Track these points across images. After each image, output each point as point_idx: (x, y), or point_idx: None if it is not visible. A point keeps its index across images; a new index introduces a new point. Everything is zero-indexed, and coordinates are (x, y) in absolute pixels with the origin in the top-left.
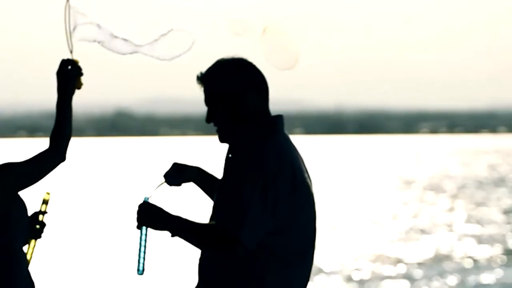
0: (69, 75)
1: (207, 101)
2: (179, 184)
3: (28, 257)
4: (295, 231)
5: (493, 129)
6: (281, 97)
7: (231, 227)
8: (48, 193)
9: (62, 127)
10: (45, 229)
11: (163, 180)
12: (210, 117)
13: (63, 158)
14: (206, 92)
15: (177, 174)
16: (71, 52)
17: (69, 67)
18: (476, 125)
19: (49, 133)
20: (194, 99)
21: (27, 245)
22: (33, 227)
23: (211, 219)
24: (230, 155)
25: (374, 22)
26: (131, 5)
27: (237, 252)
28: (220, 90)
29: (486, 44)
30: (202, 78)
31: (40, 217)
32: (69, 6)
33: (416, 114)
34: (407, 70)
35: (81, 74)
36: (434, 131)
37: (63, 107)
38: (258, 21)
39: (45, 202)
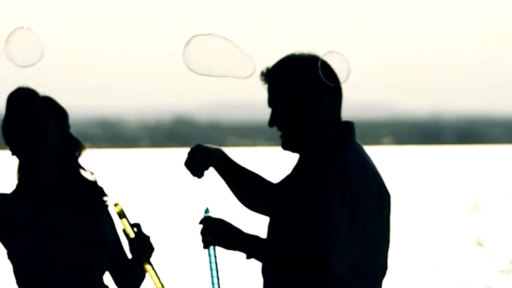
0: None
1: (273, 99)
2: (202, 174)
3: (157, 285)
4: (378, 252)
5: None
6: (367, 101)
7: (321, 255)
8: (117, 204)
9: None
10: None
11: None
12: (275, 118)
13: None
14: (272, 89)
15: (201, 162)
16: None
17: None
18: None
19: (98, 142)
20: (265, 104)
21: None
22: (132, 246)
23: (273, 230)
24: (299, 164)
25: (473, 16)
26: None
27: (327, 280)
28: (292, 85)
29: None
30: (270, 73)
31: (130, 232)
32: None
33: None
34: None
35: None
36: None
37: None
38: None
39: (120, 215)
